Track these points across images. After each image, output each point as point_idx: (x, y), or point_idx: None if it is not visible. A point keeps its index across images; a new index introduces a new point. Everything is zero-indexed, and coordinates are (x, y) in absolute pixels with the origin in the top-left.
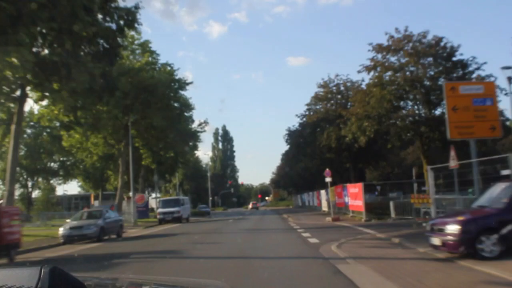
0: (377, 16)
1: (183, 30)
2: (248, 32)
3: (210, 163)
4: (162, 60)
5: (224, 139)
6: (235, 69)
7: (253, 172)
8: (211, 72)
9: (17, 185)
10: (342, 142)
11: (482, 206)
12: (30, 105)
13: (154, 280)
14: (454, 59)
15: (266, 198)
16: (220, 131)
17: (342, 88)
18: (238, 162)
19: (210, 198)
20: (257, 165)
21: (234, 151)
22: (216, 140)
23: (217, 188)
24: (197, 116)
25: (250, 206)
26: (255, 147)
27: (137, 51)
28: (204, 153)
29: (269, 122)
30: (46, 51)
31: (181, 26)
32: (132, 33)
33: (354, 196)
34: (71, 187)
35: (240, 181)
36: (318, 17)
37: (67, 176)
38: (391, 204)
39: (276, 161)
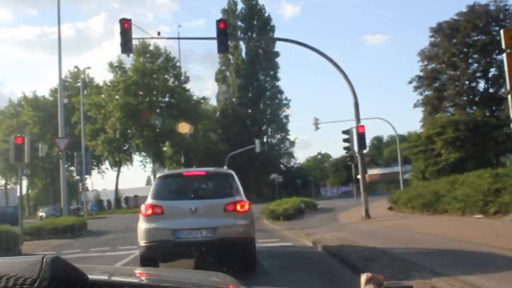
0: None
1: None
2: (322, 11)
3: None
4: None
5: (249, 25)
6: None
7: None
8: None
9: None
10: None
11: None
12: None
13: (156, 271)
14: None
15: (358, 176)
16: (241, 7)
17: None
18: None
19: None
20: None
21: (277, 53)
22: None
23: (233, 144)
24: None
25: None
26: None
27: None
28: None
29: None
30: None
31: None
32: None
33: None
34: None
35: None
36: None
37: None
38: None
39: None
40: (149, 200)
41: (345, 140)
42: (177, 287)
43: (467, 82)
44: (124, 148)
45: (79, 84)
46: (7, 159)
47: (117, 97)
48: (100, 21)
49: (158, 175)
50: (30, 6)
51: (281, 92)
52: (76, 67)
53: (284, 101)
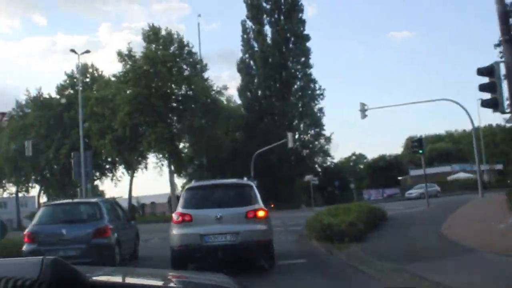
0: None
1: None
2: (345, 7)
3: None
4: None
5: (276, 6)
6: (334, 45)
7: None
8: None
9: None
10: None
11: None
12: None
13: (157, 272)
14: None
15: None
16: None
17: None
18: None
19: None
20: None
21: (308, 37)
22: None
23: (260, 142)
24: None
25: None
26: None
27: None
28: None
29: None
30: None
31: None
32: None
33: None
34: None
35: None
36: None
37: None
38: None
39: None
40: (179, 209)
41: (483, 88)
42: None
43: None
44: (136, 148)
45: (87, 79)
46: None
47: (128, 91)
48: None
49: (186, 187)
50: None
51: (314, 81)
52: (72, 50)
53: (318, 91)
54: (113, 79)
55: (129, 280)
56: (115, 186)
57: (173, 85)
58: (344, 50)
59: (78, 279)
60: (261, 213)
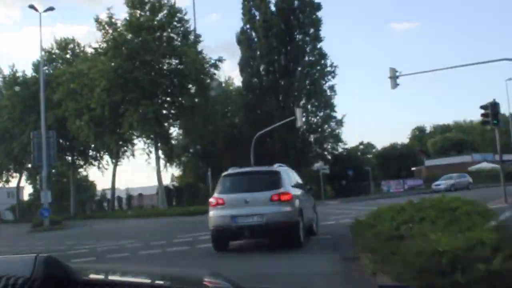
0: None
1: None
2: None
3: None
4: None
5: None
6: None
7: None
8: None
9: None
10: None
11: None
12: None
13: (148, 270)
14: None
15: None
16: None
17: None
18: None
19: None
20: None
21: (319, 5)
22: None
23: (261, 125)
24: None
25: None
26: None
27: None
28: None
29: None
30: None
31: None
32: None
33: None
34: None
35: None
36: None
37: None
38: None
39: None
40: (215, 194)
41: None
42: (168, 285)
43: None
44: (117, 131)
45: (68, 55)
46: None
47: (110, 64)
48: None
49: (222, 174)
50: None
51: (324, 56)
52: (31, 6)
53: (329, 68)
54: (91, 50)
55: (122, 278)
56: (102, 176)
57: (161, 58)
58: (348, 40)
59: (71, 277)
60: (285, 197)
